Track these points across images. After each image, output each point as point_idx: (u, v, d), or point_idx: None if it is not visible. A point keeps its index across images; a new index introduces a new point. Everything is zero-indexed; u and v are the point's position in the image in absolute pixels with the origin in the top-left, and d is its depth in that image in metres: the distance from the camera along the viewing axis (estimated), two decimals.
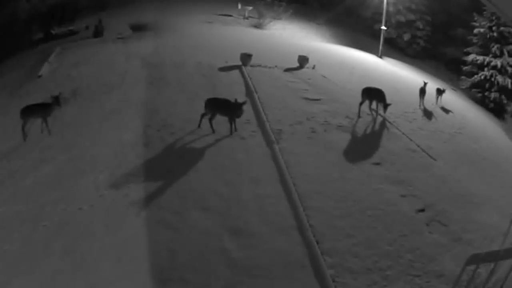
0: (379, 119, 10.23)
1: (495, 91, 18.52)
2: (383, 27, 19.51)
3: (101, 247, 5.38)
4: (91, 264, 5.10)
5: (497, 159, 10.66)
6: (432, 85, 13.50)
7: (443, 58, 22.53)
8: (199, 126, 8.42)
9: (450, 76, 20.63)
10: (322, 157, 7.93)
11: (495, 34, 18.62)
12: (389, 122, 10.17)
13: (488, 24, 18.84)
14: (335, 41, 20.48)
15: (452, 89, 15.03)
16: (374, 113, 10.27)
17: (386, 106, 10.15)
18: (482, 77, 18.74)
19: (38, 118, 8.50)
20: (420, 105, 12.30)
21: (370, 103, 10.29)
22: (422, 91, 12.35)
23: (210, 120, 8.34)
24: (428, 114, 12.04)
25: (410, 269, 5.36)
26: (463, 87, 19.01)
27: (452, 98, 15.76)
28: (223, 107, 8.29)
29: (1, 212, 6.14)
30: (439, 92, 13.11)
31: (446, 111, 13.02)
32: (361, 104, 10.00)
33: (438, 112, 12.64)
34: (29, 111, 8.30)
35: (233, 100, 8.13)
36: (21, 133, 8.24)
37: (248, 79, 11.31)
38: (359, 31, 22.97)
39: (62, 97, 8.75)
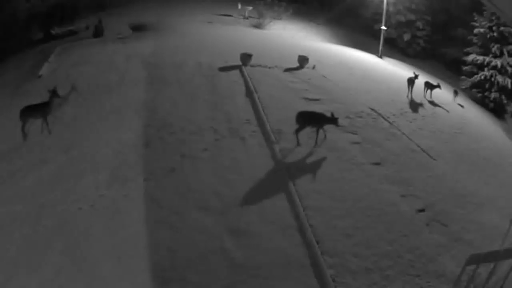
0: (380, 119, 10.24)
1: (495, 91, 18.53)
2: (383, 27, 19.52)
3: (101, 247, 5.38)
4: (91, 264, 5.10)
5: (497, 159, 10.66)
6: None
7: (443, 58, 22.55)
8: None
9: (450, 76, 20.65)
10: (322, 157, 7.93)
11: (495, 34, 18.62)
12: (389, 122, 10.18)
13: (488, 24, 18.85)
14: (335, 41, 20.50)
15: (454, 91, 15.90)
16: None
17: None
18: (482, 77, 18.75)
19: (38, 118, 8.47)
20: (407, 96, 12.94)
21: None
22: (411, 81, 13.06)
23: (298, 131, 8.04)
24: (428, 113, 12.06)
25: (410, 269, 5.35)
26: (463, 87, 19.02)
27: (451, 97, 15.77)
28: (313, 119, 8.12)
29: (1, 212, 6.13)
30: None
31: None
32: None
33: (438, 112, 12.66)
34: (28, 112, 8.26)
35: (320, 111, 8.31)
36: (21, 133, 8.23)
37: (248, 79, 11.31)
38: (359, 31, 22.98)
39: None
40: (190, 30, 17.39)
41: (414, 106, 12.33)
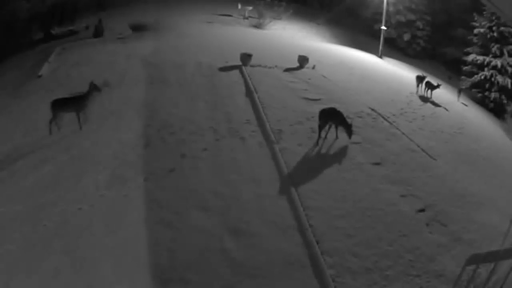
0: (380, 119, 10.24)
1: (495, 91, 18.53)
2: (383, 27, 19.52)
3: (101, 247, 5.38)
4: (91, 264, 5.10)
5: (497, 159, 10.66)
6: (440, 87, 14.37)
7: (443, 58, 22.56)
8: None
9: (450, 76, 20.65)
10: (322, 157, 7.94)
11: (495, 34, 18.63)
12: (389, 122, 10.17)
13: (488, 24, 18.86)
14: (335, 41, 20.50)
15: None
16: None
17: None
18: (482, 77, 18.76)
19: (70, 112, 8.25)
20: (417, 92, 13.83)
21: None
22: (420, 79, 13.93)
23: (321, 128, 8.24)
24: (428, 113, 12.06)
25: (410, 269, 5.35)
26: (463, 87, 19.04)
27: (452, 97, 15.79)
28: (333, 116, 8.31)
29: (1, 212, 6.13)
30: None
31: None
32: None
33: (438, 112, 12.66)
34: (60, 104, 8.05)
35: (340, 109, 8.52)
36: (49, 126, 8.18)
37: (248, 79, 11.31)
38: (359, 31, 22.98)
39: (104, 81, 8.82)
40: (190, 30, 17.39)
41: (414, 106, 12.34)
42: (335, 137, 8.54)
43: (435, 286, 5.12)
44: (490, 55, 18.75)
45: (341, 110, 8.65)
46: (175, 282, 4.85)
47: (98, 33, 16.69)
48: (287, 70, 12.74)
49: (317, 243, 5.57)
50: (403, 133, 9.65)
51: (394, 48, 22.24)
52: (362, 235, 5.87)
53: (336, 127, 8.54)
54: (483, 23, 19.08)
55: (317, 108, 8.72)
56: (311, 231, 5.80)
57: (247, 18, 21.30)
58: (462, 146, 10.38)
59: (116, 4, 21.05)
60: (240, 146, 7.96)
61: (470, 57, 19.44)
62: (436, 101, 13.50)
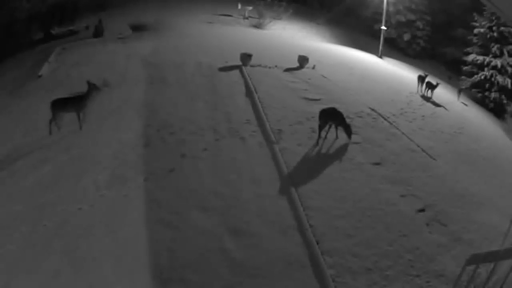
0: (380, 119, 10.23)
1: (495, 91, 18.56)
2: (383, 27, 19.53)
3: (101, 247, 5.38)
4: (91, 264, 5.10)
5: (497, 159, 10.66)
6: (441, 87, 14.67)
7: (443, 58, 22.58)
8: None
9: (450, 76, 20.66)
10: (322, 157, 7.94)
11: (495, 34, 18.65)
12: (389, 122, 10.17)
13: (488, 24, 18.89)
14: (335, 41, 20.51)
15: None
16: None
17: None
18: (482, 77, 18.78)
19: (70, 112, 8.22)
20: (418, 91, 13.98)
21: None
22: (421, 79, 14.10)
23: (321, 128, 8.23)
24: (428, 113, 12.05)
25: (410, 269, 5.35)
26: (463, 87, 19.07)
27: (452, 97, 15.80)
28: (333, 116, 8.29)
29: (1, 212, 6.13)
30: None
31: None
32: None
33: (438, 112, 12.66)
34: (60, 104, 8.01)
35: (340, 110, 8.52)
36: (49, 127, 8.15)
37: (248, 79, 11.31)
38: (359, 31, 22.99)
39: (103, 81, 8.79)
40: (190, 30, 17.40)
41: (414, 106, 12.34)
42: (335, 137, 8.55)
43: (435, 286, 5.12)
44: (490, 55, 18.77)
45: (341, 110, 8.65)
46: (175, 282, 4.85)
47: (98, 33, 16.70)
48: (287, 70, 12.75)
49: (317, 243, 5.57)
50: (403, 133, 9.65)
51: (394, 48, 22.26)
52: (362, 235, 5.86)
53: (336, 127, 8.54)
54: (483, 23, 19.10)
55: (317, 108, 8.73)
56: (311, 231, 5.80)
57: (247, 18, 21.31)
58: (462, 146, 10.38)
59: (116, 4, 21.07)
60: (240, 146, 7.96)
61: (470, 57, 19.46)
62: (436, 101, 13.52)
